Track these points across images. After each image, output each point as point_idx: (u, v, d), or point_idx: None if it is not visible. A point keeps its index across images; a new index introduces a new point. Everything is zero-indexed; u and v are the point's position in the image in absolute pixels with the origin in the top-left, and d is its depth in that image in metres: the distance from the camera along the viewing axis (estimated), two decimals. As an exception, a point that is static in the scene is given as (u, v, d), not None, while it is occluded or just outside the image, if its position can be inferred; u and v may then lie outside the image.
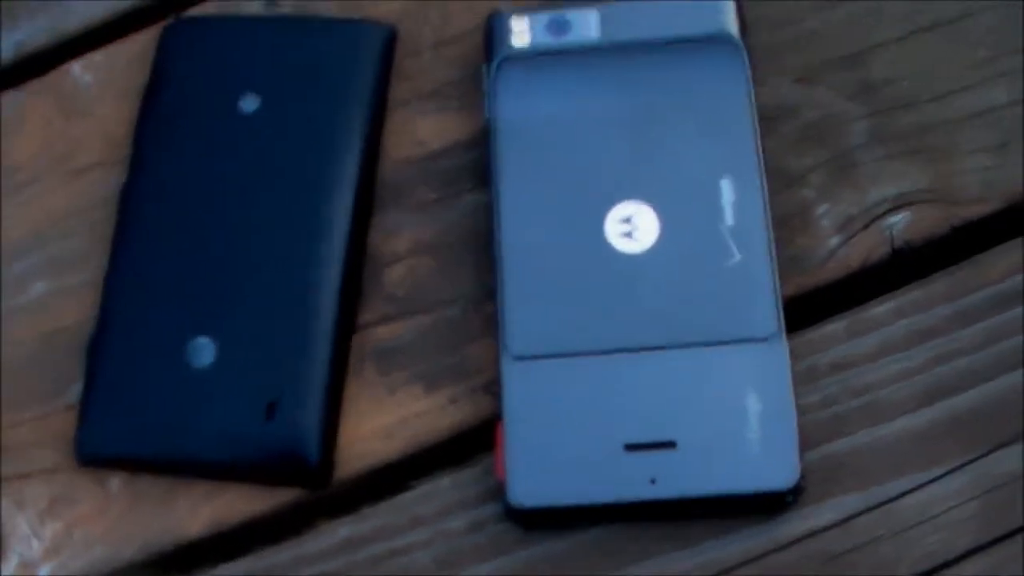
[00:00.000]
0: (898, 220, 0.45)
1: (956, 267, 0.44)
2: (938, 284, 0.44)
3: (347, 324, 0.46)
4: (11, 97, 0.52)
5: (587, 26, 0.47)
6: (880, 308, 0.44)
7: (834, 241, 0.45)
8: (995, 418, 0.42)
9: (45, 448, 0.47)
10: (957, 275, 0.44)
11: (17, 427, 0.47)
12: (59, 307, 0.48)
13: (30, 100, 0.51)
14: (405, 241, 0.47)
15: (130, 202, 0.48)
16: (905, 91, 0.47)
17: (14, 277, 0.49)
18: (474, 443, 0.45)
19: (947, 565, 0.41)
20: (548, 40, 0.47)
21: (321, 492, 0.45)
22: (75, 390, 0.47)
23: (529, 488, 0.42)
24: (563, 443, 0.43)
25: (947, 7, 0.47)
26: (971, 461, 0.42)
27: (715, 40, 0.46)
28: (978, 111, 0.46)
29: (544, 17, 0.47)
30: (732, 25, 0.46)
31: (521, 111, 0.46)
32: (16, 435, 0.47)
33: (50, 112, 0.51)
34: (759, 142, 0.45)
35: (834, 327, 0.44)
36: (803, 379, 0.43)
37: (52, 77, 0.52)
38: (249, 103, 0.48)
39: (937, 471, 0.42)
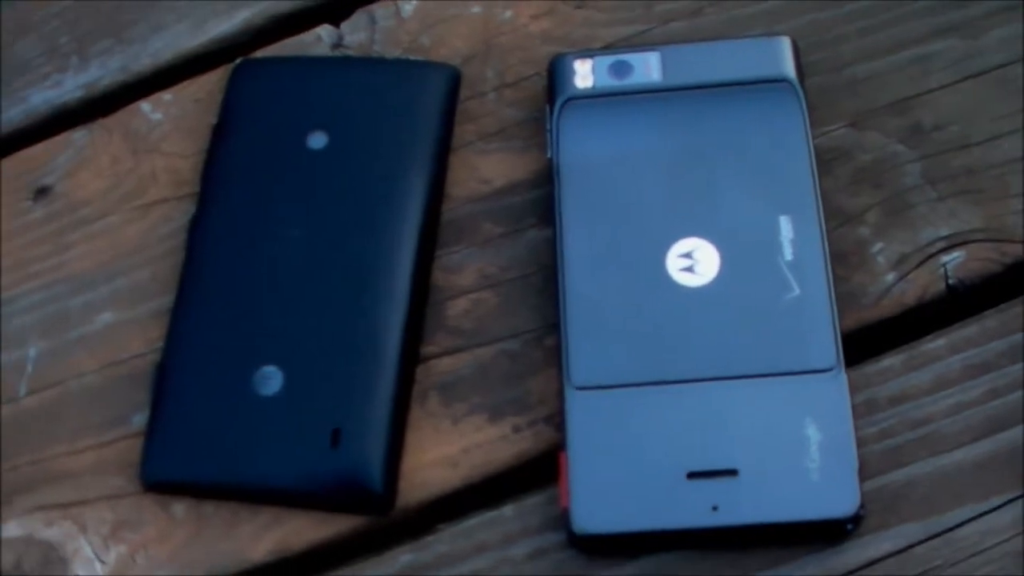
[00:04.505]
0: (952, 259, 0.46)
1: (1008, 304, 0.45)
2: (991, 320, 0.45)
3: (411, 355, 0.47)
4: (81, 134, 0.53)
5: (649, 68, 0.49)
6: (936, 343, 0.45)
7: (890, 278, 0.46)
8: (1048, 452, 0.44)
9: (108, 474, 0.47)
10: (1010, 312, 0.45)
11: (79, 454, 0.48)
12: (124, 338, 0.50)
13: (100, 137, 0.53)
14: (469, 276, 0.49)
15: (199, 234, 0.49)
16: (954, 135, 0.48)
17: (80, 308, 0.50)
18: (536, 474, 0.46)
19: (1004, 594, 0.42)
20: (611, 82, 0.49)
21: (384, 520, 0.46)
22: (139, 419, 0.48)
23: (592, 515, 0.43)
24: (626, 471, 0.43)
25: (992, 57, 0.49)
26: (1022, 496, 0.43)
27: (774, 83, 0.48)
28: (1026, 154, 0.48)
29: (607, 60, 0.49)
30: (790, 67, 0.48)
31: (584, 150, 0.48)
32: (78, 462, 0.48)
33: (119, 149, 0.53)
34: (817, 181, 0.46)
35: (891, 361, 0.45)
36: (862, 412, 0.44)
37: (121, 115, 0.53)
38: (317, 140, 0.50)
39: (994, 502, 0.43)
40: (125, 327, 0.50)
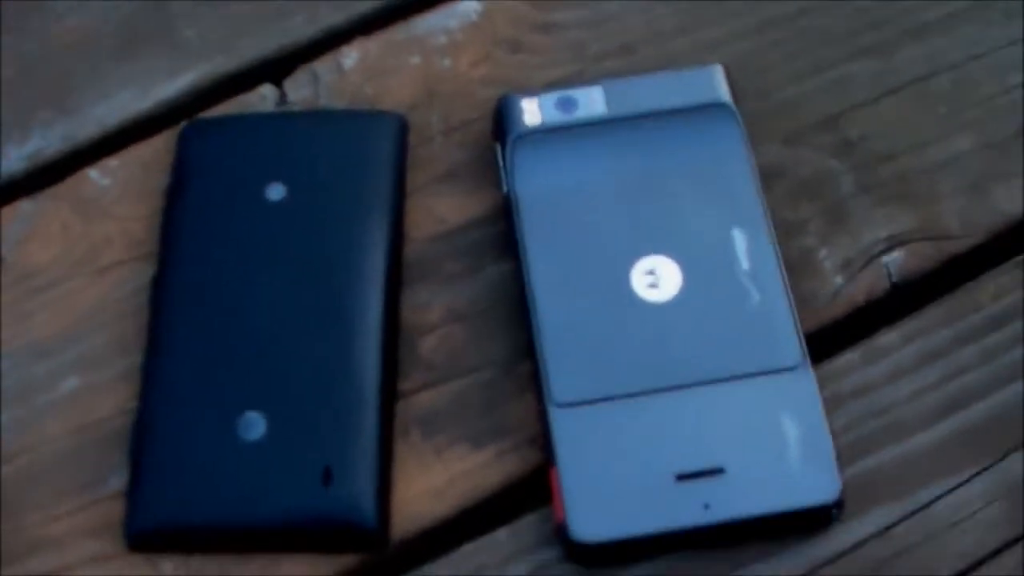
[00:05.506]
0: (893, 258, 0.50)
1: (950, 295, 0.49)
2: (936, 311, 0.49)
3: (390, 393, 0.48)
4: (28, 205, 0.53)
5: (593, 102, 0.51)
6: (888, 336, 0.48)
7: (838, 281, 0.49)
8: (1004, 425, 0.46)
9: (90, 538, 0.47)
10: (951, 302, 0.49)
11: (58, 520, 0.47)
12: (92, 401, 0.49)
13: (48, 206, 0.53)
14: (436, 312, 0.50)
15: (163, 290, 0.50)
16: (881, 146, 0.52)
17: (43, 376, 0.50)
18: (523, 495, 0.47)
19: (983, 562, 0.45)
20: (558, 117, 0.51)
21: (379, 555, 0.46)
22: (115, 480, 0.48)
23: (589, 524, 0.44)
24: (616, 480, 0.45)
25: (907, 71, 0.53)
26: (989, 467, 0.46)
27: (712, 107, 0.50)
28: (948, 158, 0.51)
29: (552, 97, 0.51)
30: (725, 92, 0.51)
31: (539, 182, 0.50)
32: (58, 528, 0.47)
33: (68, 217, 0.53)
34: (762, 194, 0.49)
35: (849, 357, 0.48)
36: (828, 406, 0.46)
37: (68, 184, 0.53)
38: (275, 192, 0.51)
39: (960, 478, 0.46)
40: (92, 390, 0.49)
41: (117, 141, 0.54)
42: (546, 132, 0.50)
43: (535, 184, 0.50)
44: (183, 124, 0.53)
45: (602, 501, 0.45)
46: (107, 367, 0.50)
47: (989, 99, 0.52)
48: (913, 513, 0.45)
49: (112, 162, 0.54)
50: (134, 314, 0.50)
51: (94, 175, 0.53)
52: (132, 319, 0.50)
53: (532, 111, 0.51)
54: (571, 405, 0.46)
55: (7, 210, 0.53)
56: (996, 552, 0.45)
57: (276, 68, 0.55)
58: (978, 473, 0.46)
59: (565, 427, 0.46)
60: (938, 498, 0.46)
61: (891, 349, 0.48)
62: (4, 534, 0.47)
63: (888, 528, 0.45)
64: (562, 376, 0.47)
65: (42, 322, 0.51)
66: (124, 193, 0.53)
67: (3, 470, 0.48)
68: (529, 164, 0.50)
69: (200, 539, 0.46)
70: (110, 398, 0.49)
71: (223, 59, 0.56)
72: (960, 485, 0.46)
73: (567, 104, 0.51)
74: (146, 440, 0.47)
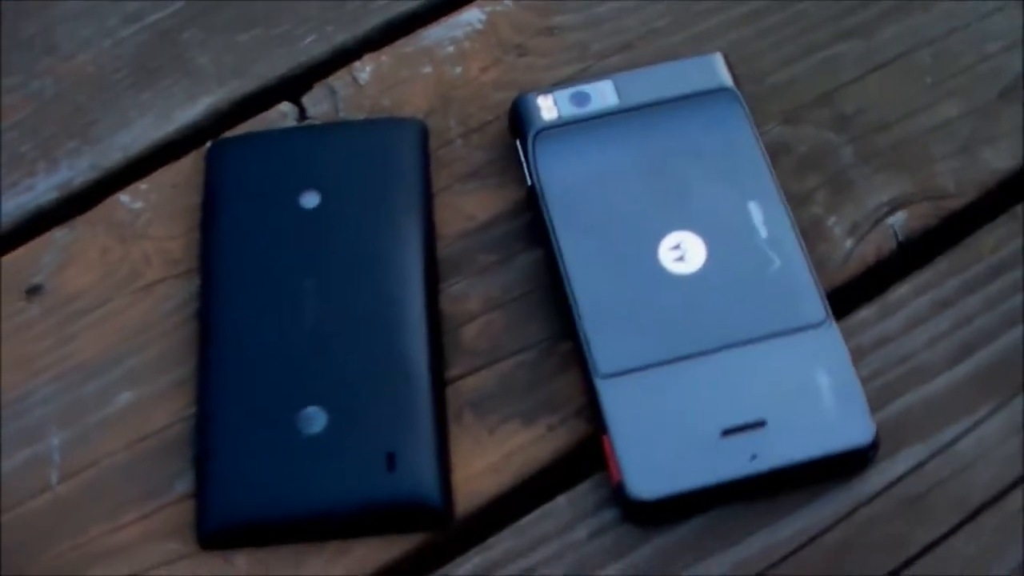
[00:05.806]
0: (897, 219, 0.53)
1: (953, 250, 0.52)
2: (943, 264, 0.52)
3: (440, 379, 0.51)
4: (63, 233, 0.54)
5: (605, 95, 0.54)
6: (900, 290, 0.52)
7: (848, 244, 0.53)
8: (1010, 367, 0.50)
9: (159, 541, 0.49)
10: (954, 255, 0.52)
11: (124, 529, 0.49)
12: (146, 414, 0.51)
13: (83, 233, 0.55)
14: (475, 302, 0.53)
15: (212, 298, 0.52)
16: (874, 118, 0.55)
17: (95, 393, 0.51)
18: (576, 465, 0.50)
19: (1007, 491, 0.48)
20: (573, 111, 0.54)
21: (445, 532, 0.48)
22: (181, 485, 0.49)
23: (646, 482, 0.47)
24: (666, 440, 0.48)
25: (891, 47, 0.57)
26: (1002, 405, 0.49)
27: (717, 91, 0.54)
28: (938, 124, 0.55)
29: (567, 92, 0.54)
30: (727, 77, 0.54)
31: (562, 173, 0.53)
32: (125, 536, 0.49)
33: (105, 241, 0.54)
34: (771, 168, 0.53)
35: (866, 312, 0.51)
36: (852, 358, 0.50)
37: (101, 209, 0.55)
38: (309, 199, 0.53)
39: (981, 414, 0.49)
40: (146, 403, 0.51)
41: (144, 166, 0.56)
42: (564, 125, 0.54)
43: (559, 174, 0.53)
44: (208, 143, 0.56)
45: (655, 460, 0.48)
46: (158, 379, 0.52)
47: (970, 68, 0.56)
48: (940, 451, 0.49)
49: (142, 186, 0.56)
50: (179, 328, 0.52)
51: (125, 199, 0.55)
52: (177, 332, 0.52)
53: (548, 107, 0.54)
54: (615, 375, 0.49)
55: (42, 240, 0.55)
56: (1017, 482, 0.48)
57: (293, 86, 0.58)
58: (993, 412, 0.49)
59: (612, 396, 0.49)
60: (961, 436, 0.49)
61: (904, 302, 0.51)
62: (68, 549, 0.48)
63: (918, 466, 0.48)
64: (604, 349, 0.49)
65: (88, 343, 0.52)
66: (157, 214, 0.55)
67: (65, 487, 0.49)
68: (551, 156, 0.53)
69: (272, 532, 0.48)
70: (165, 409, 0.51)
71: (239, 82, 0.58)
72: (979, 423, 0.49)
73: (581, 98, 0.54)
74: (210, 442, 0.49)
